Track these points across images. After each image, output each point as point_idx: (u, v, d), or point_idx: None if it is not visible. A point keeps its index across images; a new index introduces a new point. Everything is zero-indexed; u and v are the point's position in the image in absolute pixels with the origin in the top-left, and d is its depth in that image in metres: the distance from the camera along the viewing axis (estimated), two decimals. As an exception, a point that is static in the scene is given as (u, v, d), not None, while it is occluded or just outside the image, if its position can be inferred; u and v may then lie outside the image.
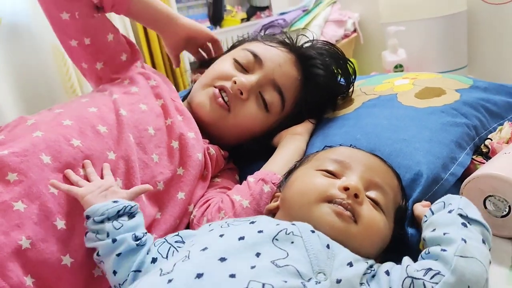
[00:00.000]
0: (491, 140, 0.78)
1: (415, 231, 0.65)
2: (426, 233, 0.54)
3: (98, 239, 0.58)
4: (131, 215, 0.61)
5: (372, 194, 0.58)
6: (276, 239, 0.49)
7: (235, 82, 0.81)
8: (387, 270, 0.51)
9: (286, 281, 0.43)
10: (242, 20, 2.59)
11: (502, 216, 0.64)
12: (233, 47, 0.95)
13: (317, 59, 0.89)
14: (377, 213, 0.56)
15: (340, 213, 0.53)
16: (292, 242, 0.49)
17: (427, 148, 0.72)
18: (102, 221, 0.58)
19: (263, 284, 0.42)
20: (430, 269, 0.48)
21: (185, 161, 0.73)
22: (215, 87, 0.83)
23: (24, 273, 0.52)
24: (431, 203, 0.63)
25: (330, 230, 0.52)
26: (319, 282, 0.45)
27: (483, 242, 0.52)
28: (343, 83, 0.95)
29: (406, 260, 0.52)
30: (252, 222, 0.53)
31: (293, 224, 0.51)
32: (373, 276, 0.50)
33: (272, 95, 0.84)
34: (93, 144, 0.65)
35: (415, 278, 0.48)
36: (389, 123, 0.80)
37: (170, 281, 0.44)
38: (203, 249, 0.48)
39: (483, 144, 0.79)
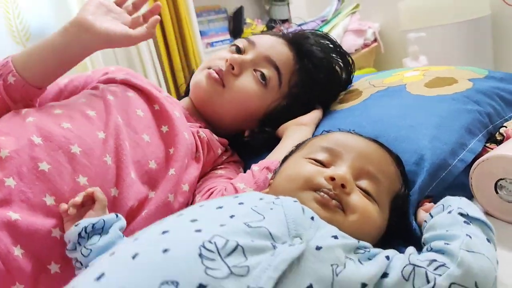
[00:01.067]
0: (506, 127, 0.74)
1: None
2: (426, 236, 0.52)
3: (77, 267, 0.57)
4: (104, 230, 0.58)
5: (363, 183, 0.55)
6: (256, 206, 0.47)
7: (226, 60, 0.85)
8: (388, 256, 0.48)
9: (253, 241, 0.41)
10: (262, 32, 2.62)
11: (515, 201, 0.60)
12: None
13: (309, 38, 0.93)
14: (368, 203, 0.54)
15: (325, 203, 0.51)
16: (271, 209, 0.47)
17: (435, 133, 0.69)
18: (74, 248, 0.57)
19: (227, 240, 0.40)
20: (434, 260, 0.45)
21: (173, 139, 0.74)
22: (209, 68, 0.87)
23: (13, 243, 0.52)
24: (434, 198, 0.60)
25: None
26: (293, 245, 0.42)
27: (488, 241, 0.49)
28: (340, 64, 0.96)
29: (410, 249, 0.49)
30: (236, 197, 0.52)
31: (277, 198, 0.50)
32: (369, 258, 0.48)
33: (269, 70, 0.86)
34: (83, 125, 0.67)
35: (417, 266, 0.45)
36: (396, 111, 0.77)
37: (136, 239, 0.43)
38: (178, 215, 0.47)
39: (498, 132, 0.75)
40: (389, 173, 0.58)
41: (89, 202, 0.61)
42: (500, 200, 0.61)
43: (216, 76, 0.84)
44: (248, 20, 2.61)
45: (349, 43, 2.34)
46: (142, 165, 0.69)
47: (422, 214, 0.58)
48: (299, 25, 2.44)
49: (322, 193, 0.52)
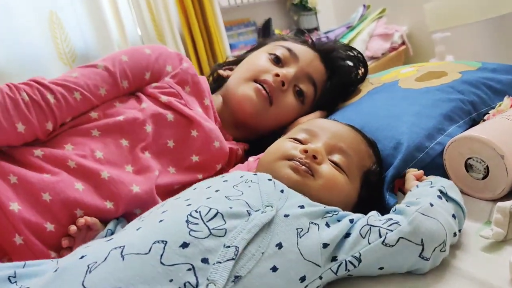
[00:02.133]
0: (489, 114, 0.78)
1: (392, 196, 0.68)
2: (404, 200, 0.59)
3: None
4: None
5: (335, 157, 0.64)
6: (236, 185, 0.57)
7: (277, 75, 0.86)
8: (352, 219, 0.56)
9: (231, 207, 0.51)
10: (291, 39, 2.71)
11: (483, 178, 0.65)
12: (259, 46, 1.02)
13: (339, 54, 0.98)
14: (337, 172, 0.62)
15: (296, 167, 0.60)
16: (249, 186, 0.56)
17: (413, 120, 0.75)
18: None
19: (210, 208, 0.50)
20: (390, 219, 0.53)
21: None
22: (257, 81, 0.87)
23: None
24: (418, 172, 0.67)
25: (287, 181, 0.59)
26: (265, 212, 0.51)
27: (453, 216, 0.55)
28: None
29: (372, 212, 0.57)
30: (222, 177, 0.62)
31: (255, 175, 0.59)
32: (339, 220, 0.56)
33: (308, 87, 0.91)
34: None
35: (373, 226, 0.53)
36: (383, 103, 0.84)
37: (142, 220, 0.55)
38: (176, 198, 0.58)
39: (482, 120, 0.79)
40: (360, 150, 0.66)
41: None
42: (470, 178, 0.66)
43: (266, 95, 0.86)
44: (276, 31, 2.72)
45: (375, 48, 2.38)
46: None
47: (411, 183, 0.65)
48: (326, 32, 2.52)
49: (294, 161, 0.61)
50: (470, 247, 0.56)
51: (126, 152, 0.75)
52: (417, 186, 0.62)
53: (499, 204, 0.56)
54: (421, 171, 0.67)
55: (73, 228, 0.65)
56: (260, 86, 0.86)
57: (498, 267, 0.51)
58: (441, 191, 0.58)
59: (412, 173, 0.67)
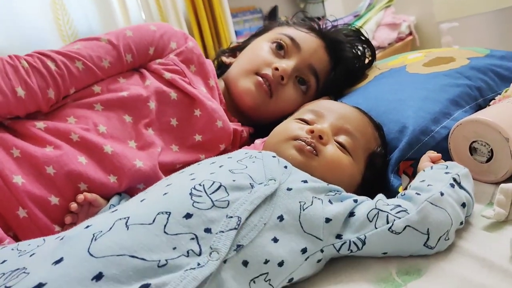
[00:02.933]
0: (495, 99, 0.79)
1: (397, 178, 0.69)
2: (414, 182, 0.59)
3: None
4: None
5: (341, 138, 0.64)
6: (240, 160, 0.58)
7: (276, 69, 0.85)
8: (357, 199, 0.57)
9: (234, 180, 0.52)
10: (295, 24, 2.70)
11: (487, 161, 0.66)
12: (263, 31, 1.01)
13: (346, 44, 0.96)
14: (341, 153, 0.63)
15: (301, 147, 0.61)
16: (253, 162, 0.57)
17: (420, 105, 0.76)
18: None
19: (213, 182, 0.51)
20: (399, 205, 0.54)
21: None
22: (257, 74, 0.87)
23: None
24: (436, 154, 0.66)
25: (292, 161, 0.60)
26: (267, 185, 0.52)
27: (463, 206, 0.55)
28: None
29: (379, 196, 0.58)
30: (227, 154, 0.63)
31: (259, 152, 0.60)
32: (342, 200, 0.57)
33: (310, 79, 0.90)
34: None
35: (381, 211, 0.54)
36: (390, 88, 0.85)
37: (146, 192, 0.56)
38: (180, 172, 0.59)
39: (488, 105, 0.80)
40: (366, 133, 0.67)
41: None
42: (474, 162, 0.67)
43: (267, 89, 0.86)
44: (283, 19, 2.70)
45: (382, 37, 2.37)
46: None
47: (425, 162, 0.65)
48: (333, 21, 2.51)
49: (299, 141, 0.61)
50: (472, 227, 0.57)
51: (130, 128, 0.76)
52: (431, 168, 0.61)
53: (503, 185, 0.57)
54: (439, 155, 0.65)
55: (74, 205, 0.65)
56: (261, 79, 0.86)
57: (499, 245, 0.52)
58: (455, 179, 0.57)
59: (429, 154, 0.66)
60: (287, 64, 0.87)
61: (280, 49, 0.90)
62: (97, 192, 0.69)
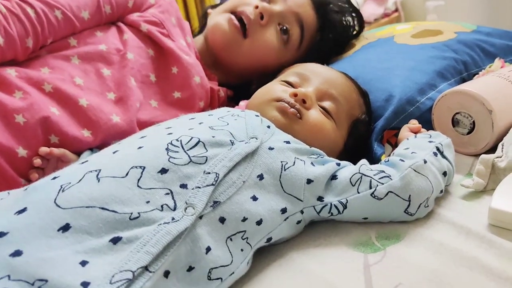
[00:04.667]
0: (478, 74, 0.79)
1: (380, 146, 0.69)
2: (398, 149, 0.59)
3: None
4: None
5: (325, 103, 0.63)
6: (222, 117, 0.56)
7: (256, 7, 0.81)
8: (339, 163, 0.56)
9: (214, 136, 0.50)
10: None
11: (468, 133, 0.66)
12: None
13: (334, 6, 0.93)
14: (325, 118, 0.62)
15: (284, 109, 0.59)
16: (235, 120, 0.55)
17: (407, 75, 0.75)
18: None
19: (191, 137, 0.49)
20: (382, 171, 0.53)
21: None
22: (234, 12, 0.83)
23: None
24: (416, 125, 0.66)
25: (275, 123, 0.58)
26: (248, 143, 0.51)
27: (444, 174, 0.55)
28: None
29: (362, 161, 0.57)
30: (208, 111, 0.61)
31: (242, 111, 0.58)
32: (324, 164, 0.56)
33: (294, 29, 0.85)
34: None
35: (365, 175, 0.53)
36: (377, 57, 0.84)
37: (119, 143, 0.53)
38: (157, 126, 0.57)
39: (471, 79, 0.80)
40: (351, 99, 0.66)
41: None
42: (456, 133, 0.67)
43: (238, 24, 0.81)
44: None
45: (368, 12, 2.35)
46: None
47: (405, 132, 0.64)
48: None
49: (282, 102, 0.60)
50: (451, 196, 0.58)
51: (108, 80, 0.72)
52: (415, 136, 0.61)
53: (483, 156, 0.57)
54: (419, 125, 0.65)
55: (37, 160, 0.62)
56: (233, 16, 0.82)
57: (477, 213, 0.53)
58: (438, 148, 0.57)
59: (409, 125, 0.66)
60: (270, 6, 0.83)
61: None
62: (68, 147, 0.65)
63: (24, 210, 0.39)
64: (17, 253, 0.35)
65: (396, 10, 2.52)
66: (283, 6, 0.85)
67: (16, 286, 0.33)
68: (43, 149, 0.62)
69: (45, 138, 0.64)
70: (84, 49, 0.72)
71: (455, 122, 0.68)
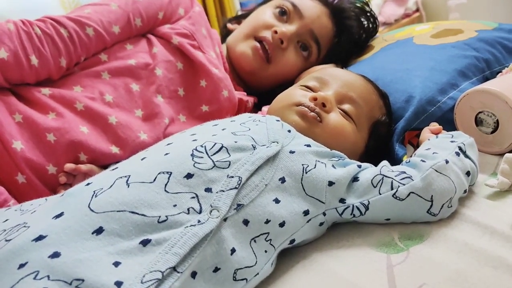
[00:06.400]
0: (502, 72, 0.78)
1: (402, 147, 0.69)
2: (420, 150, 0.59)
3: None
4: None
5: (345, 106, 0.64)
6: (244, 123, 0.57)
7: (275, 32, 0.85)
8: (360, 165, 0.57)
9: (236, 141, 0.51)
10: None
11: (492, 132, 0.65)
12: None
13: (349, 12, 0.96)
14: (345, 121, 0.62)
15: (304, 113, 0.60)
16: (257, 125, 0.57)
17: (427, 75, 0.75)
18: None
19: (215, 143, 0.50)
20: (403, 172, 0.53)
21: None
22: (256, 38, 0.87)
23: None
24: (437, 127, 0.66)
25: (295, 127, 0.59)
26: (270, 147, 0.52)
27: (467, 174, 0.55)
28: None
29: (383, 162, 0.57)
30: (231, 118, 0.63)
31: (263, 116, 0.59)
32: (345, 166, 0.56)
33: (311, 44, 0.90)
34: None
35: (386, 176, 0.53)
36: (396, 58, 0.84)
37: (146, 150, 0.55)
38: (182, 132, 0.59)
39: (494, 77, 0.79)
40: (370, 101, 0.66)
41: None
42: (479, 133, 0.67)
43: (263, 54, 0.85)
44: None
45: (388, 13, 2.33)
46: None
47: (426, 134, 0.64)
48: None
49: (302, 107, 0.61)
50: (476, 196, 0.57)
51: (137, 96, 0.75)
52: (437, 136, 0.60)
53: (508, 155, 0.57)
54: (440, 127, 0.65)
55: (62, 178, 0.65)
56: (258, 45, 0.86)
57: (501, 213, 0.52)
58: (460, 148, 0.56)
59: (430, 127, 0.65)
60: (286, 28, 0.87)
61: (282, 14, 0.90)
62: (96, 162, 0.68)
63: (61, 214, 0.41)
64: (56, 255, 0.37)
65: (417, 10, 2.48)
66: (299, 24, 0.88)
67: (55, 286, 0.35)
68: (69, 166, 0.65)
69: (75, 156, 0.67)
70: (114, 64, 0.75)
71: (478, 121, 0.67)
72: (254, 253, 0.46)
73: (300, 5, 0.90)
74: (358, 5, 1.00)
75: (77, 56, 0.73)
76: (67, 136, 0.66)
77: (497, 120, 0.64)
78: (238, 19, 1.03)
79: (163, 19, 0.83)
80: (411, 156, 0.60)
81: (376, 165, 0.58)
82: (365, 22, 1.00)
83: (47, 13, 1.41)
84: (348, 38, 0.95)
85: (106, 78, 0.74)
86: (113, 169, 0.50)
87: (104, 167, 0.69)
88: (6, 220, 0.46)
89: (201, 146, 0.50)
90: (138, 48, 0.79)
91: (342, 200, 0.53)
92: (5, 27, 0.67)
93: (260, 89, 0.93)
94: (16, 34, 0.67)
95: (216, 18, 2.02)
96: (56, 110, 0.68)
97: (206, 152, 0.50)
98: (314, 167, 0.53)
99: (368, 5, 1.02)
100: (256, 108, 0.95)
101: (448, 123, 0.70)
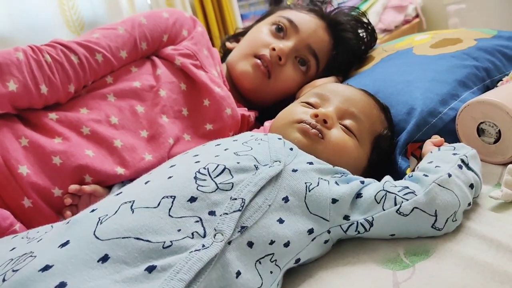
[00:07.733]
0: (503, 80, 0.78)
1: (405, 160, 0.69)
2: (422, 163, 0.59)
3: None
4: None
5: (346, 122, 0.64)
6: (246, 142, 0.58)
7: (273, 49, 0.86)
8: (363, 181, 0.57)
9: (239, 162, 0.52)
10: (299, 6, 2.66)
11: (495, 142, 0.65)
12: (266, 15, 1.02)
13: (346, 24, 0.97)
14: (347, 136, 0.63)
15: (305, 130, 0.61)
16: (259, 144, 0.57)
17: (427, 86, 0.75)
18: None
19: (218, 165, 0.51)
20: (406, 187, 0.53)
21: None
22: (255, 56, 0.88)
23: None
24: (439, 139, 0.66)
25: (297, 144, 0.59)
26: (272, 167, 0.52)
27: (471, 187, 0.55)
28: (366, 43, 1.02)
29: (386, 177, 0.58)
30: (233, 137, 0.63)
31: (265, 135, 0.60)
32: (348, 182, 0.56)
33: (309, 59, 0.91)
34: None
35: (389, 192, 0.53)
36: (397, 69, 0.84)
37: (150, 173, 0.56)
38: (184, 153, 0.59)
39: (495, 86, 0.79)
40: (371, 115, 0.66)
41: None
42: (482, 143, 0.67)
43: (265, 70, 0.87)
44: (288, 2, 2.67)
45: (388, 20, 2.34)
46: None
47: (428, 146, 0.64)
48: (339, 4, 2.47)
49: (304, 124, 0.61)
50: (480, 208, 0.57)
51: (142, 117, 0.76)
52: (439, 149, 0.60)
53: (510, 166, 0.57)
54: (442, 139, 0.65)
55: (67, 199, 0.65)
56: (258, 61, 0.87)
57: (506, 225, 0.52)
58: (462, 160, 0.56)
59: (431, 140, 0.66)
60: (284, 45, 0.88)
61: (279, 31, 0.91)
62: (101, 183, 0.69)
63: (67, 243, 0.42)
64: (62, 285, 0.37)
65: (417, 15, 2.49)
66: (296, 39, 0.90)
67: None
68: (73, 187, 0.66)
69: (80, 178, 0.68)
70: (119, 86, 0.77)
71: (480, 132, 0.67)
72: (260, 275, 0.46)
73: (296, 20, 0.91)
74: (355, 14, 1.01)
75: (85, 81, 0.74)
76: (73, 159, 0.67)
77: (499, 130, 0.64)
78: (236, 37, 1.05)
79: (167, 41, 0.85)
80: (414, 169, 0.60)
81: (379, 179, 0.58)
82: (363, 33, 1.01)
83: (51, 32, 1.44)
84: (346, 50, 0.97)
85: (112, 100, 0.75)
86: (117, 194, 0.50)
87: (109, 187, 0.70)
88: (13, 248, 0.46)
89: (204, 168, 0.51)
90: (142, 70, 0.81)
91: (346, 217, 0.53)
92: (14, 57, 0.67)
93: (261, 105, 0.94)
94: (26, 64, 0.67)
95: (219, 35, 2.04)
96: (63, 135, 0.69)
97: (209, 174, 0.50)
98: (317, 185, 0.53)
99: (365, 16, 1.03)
100: (257, 121, 0.96)
101: (450, 134, 0.70)
